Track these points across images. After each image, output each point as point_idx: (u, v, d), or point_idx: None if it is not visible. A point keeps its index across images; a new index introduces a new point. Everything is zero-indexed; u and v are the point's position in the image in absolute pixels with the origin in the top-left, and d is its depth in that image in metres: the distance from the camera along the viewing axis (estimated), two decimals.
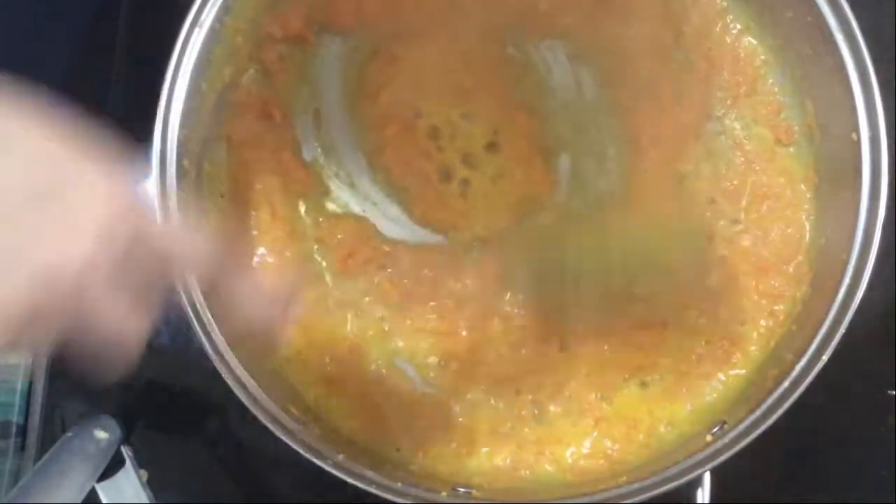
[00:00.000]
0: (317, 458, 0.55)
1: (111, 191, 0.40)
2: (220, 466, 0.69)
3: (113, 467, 0.65)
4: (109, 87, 0.74)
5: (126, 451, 0.66)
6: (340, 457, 0.56)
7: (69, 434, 0.64)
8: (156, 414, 0.70)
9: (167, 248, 0.43)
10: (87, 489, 0.62)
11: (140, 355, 0.42)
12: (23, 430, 0.75)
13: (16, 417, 0.75)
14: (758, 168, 0.66)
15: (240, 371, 0.56)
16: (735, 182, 0.66)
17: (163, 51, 0.59)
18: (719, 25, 0.67)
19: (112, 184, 0.40)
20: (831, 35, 0.58)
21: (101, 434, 0.64)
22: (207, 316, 0.57)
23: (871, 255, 0.57)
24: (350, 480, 0.55)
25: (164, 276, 0.43)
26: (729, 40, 0.67)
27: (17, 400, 0.77)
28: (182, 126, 0.59)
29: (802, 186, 0.65)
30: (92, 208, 0.39)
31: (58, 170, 0.39)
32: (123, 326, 0.41)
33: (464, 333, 0.66)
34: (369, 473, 0.55)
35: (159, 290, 0.43)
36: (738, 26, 0.67)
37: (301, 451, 0.55)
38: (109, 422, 0.66)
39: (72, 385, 0.71)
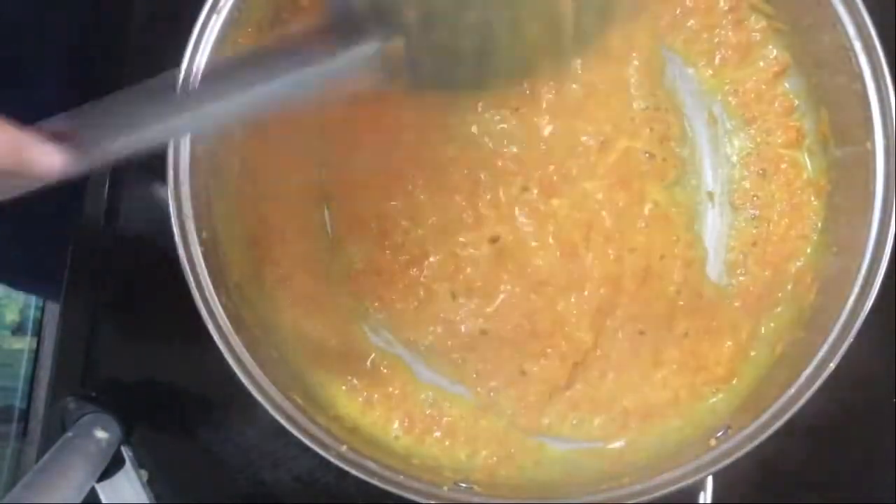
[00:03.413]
0: (321, 448, 0.55)
1: None
2: (220, 466, 0.69)
3: (113, 467, 0.65)
4: (123, 70, 0.74)
5: (126, 451, 0.66)
6: (344, 447, 0.56)
7: (69, 434, 0.64)
8: (156, 414, 0.70)
9: None
10: (87, 489, 0.62)
11: None
12: (25, 416, 0.76)
13: (18, 402, 0.76)
14: (767, 169, 0.66)
15: (245, 357, 0.57)
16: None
17: (180, 33, 0.59)
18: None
19: None
20: (849, 43, 0.58)
21: (101, 434, 0.64)
22: (214, 299, 0.57)
23: (881, 266, 0.56)
24: (353, 472, 0.55)
25: None
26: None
27: (21, 385, 0.77)
28: None
29: (813, 193, 0.65)
30: None
31: None
32: None
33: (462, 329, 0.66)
34: (371, 464, 0.56)
35: None
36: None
37: (305, 440, 0.55)
38: (110, 422, 0.66)
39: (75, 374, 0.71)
